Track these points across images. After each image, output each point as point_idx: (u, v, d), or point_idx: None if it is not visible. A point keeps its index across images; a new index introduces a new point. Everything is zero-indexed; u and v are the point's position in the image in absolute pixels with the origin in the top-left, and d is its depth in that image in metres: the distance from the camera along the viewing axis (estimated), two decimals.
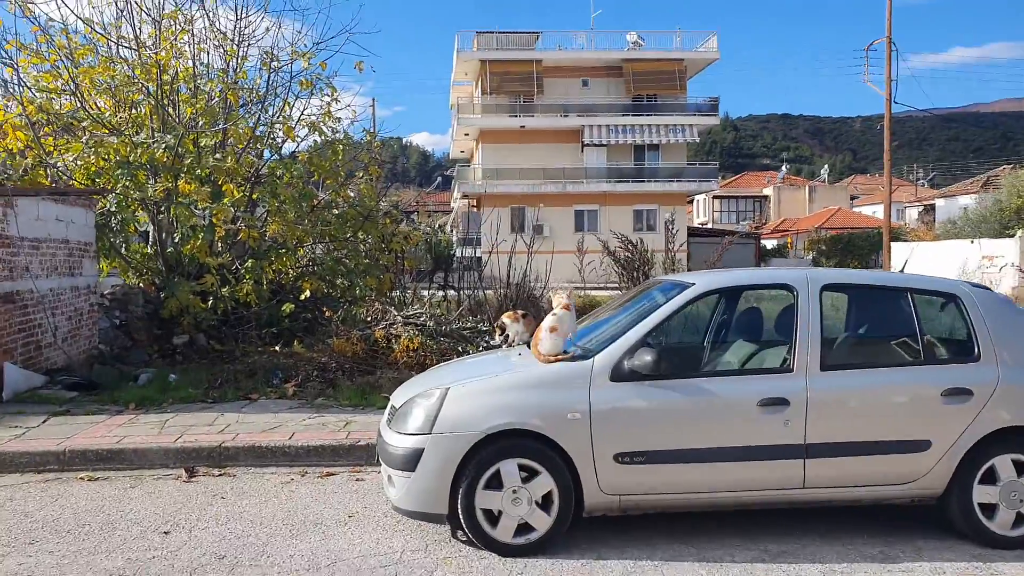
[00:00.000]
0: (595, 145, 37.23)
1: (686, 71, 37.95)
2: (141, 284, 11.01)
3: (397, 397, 4.63)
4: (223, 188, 10.24)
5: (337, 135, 12.11)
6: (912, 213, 53.70)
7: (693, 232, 37.59)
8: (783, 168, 72.20)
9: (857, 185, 76.44)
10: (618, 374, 4.12)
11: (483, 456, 4.01)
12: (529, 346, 4.85)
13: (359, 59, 11.68)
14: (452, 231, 38.69)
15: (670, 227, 35.76)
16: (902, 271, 24.18)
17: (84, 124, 10.35)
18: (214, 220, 9.77)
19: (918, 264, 24.42)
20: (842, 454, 4.15)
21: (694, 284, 4.43)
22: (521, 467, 4.03)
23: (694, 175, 38.58)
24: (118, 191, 9.82)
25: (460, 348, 8.49)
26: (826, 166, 75.73)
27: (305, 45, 11.62)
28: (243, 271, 10.32)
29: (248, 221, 10.34)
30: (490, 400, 4.11)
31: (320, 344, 8.76)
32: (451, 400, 4.12)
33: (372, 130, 12.81)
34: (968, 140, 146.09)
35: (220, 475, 5.59)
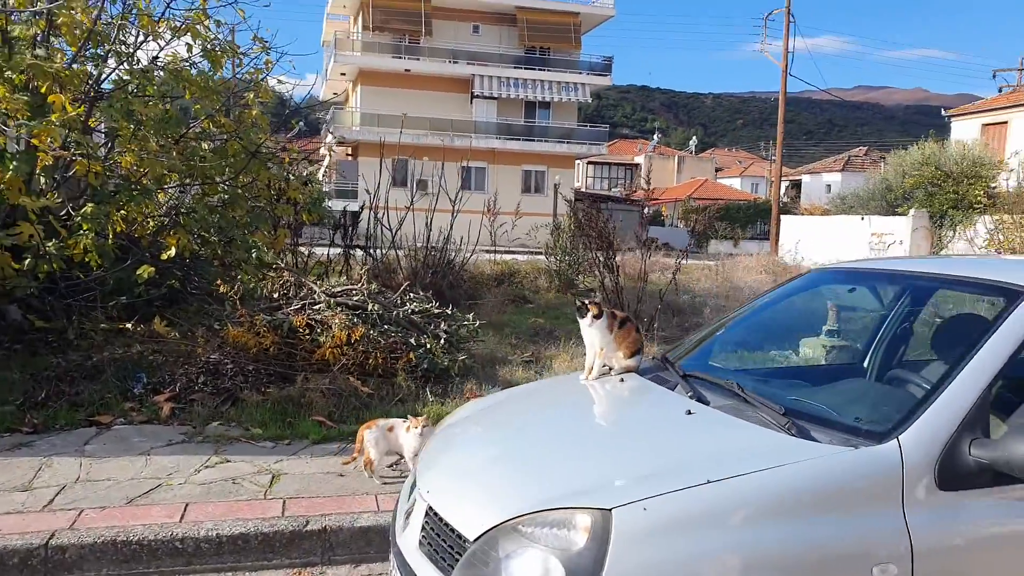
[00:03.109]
0: (485, 97, 34.70)
1: (581, 26, 36.15)
2: None
3: (447, 500, 2.25)
4: (49, 99, 7.07)
5: (216, 42, 9.04)
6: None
7: (581, 197, 36.31)
8: (655, 138, 73.09)
9: (716, 157, 78.85)
10: (956, 474, 2.03)
11: None
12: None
13: None
14: (325, 181, 35.02)
15: (559, 191, 33.94)
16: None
17: None
18: (35, 143, 6.64)
19: (809, 239, 24.37)
20: None
21: None
22: None
23: (584, 137, 37.09)
24: None
25: (412, 340, 6.10)
26: (694, 137, 77.45)
27: None
28: (79, 219, 7.26)
29: (88, 148, 7.25)
30: (707, 541, 1.87)
31: (205, 331, 6.05)
32: (624, 541, 1.84)
33: (263, 39, 9.71)
34: (801, 123, 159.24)
35: None
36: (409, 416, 4.03)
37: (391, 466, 4.26)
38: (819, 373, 3.44)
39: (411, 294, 7.18)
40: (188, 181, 8.76)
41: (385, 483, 4.03)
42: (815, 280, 3.39)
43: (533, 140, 35.55)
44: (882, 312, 3.35)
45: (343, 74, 36.00)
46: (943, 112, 29.48)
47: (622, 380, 2.91)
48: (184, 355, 5.77)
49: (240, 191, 9.06)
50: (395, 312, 6.16)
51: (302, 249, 10.78)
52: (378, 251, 11.44)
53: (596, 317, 2.98)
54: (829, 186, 45.52)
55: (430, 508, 2.30)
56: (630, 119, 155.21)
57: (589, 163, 62.35)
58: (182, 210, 8.92)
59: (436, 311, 6.78)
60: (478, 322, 7.06)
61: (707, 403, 2.50)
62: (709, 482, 1.94)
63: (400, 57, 33.95)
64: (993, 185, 20.41)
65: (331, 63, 34.82)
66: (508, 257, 16.54)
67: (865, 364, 3.43)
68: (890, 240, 23.16)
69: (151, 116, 7.66)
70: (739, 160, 79.52)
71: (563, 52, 36.03)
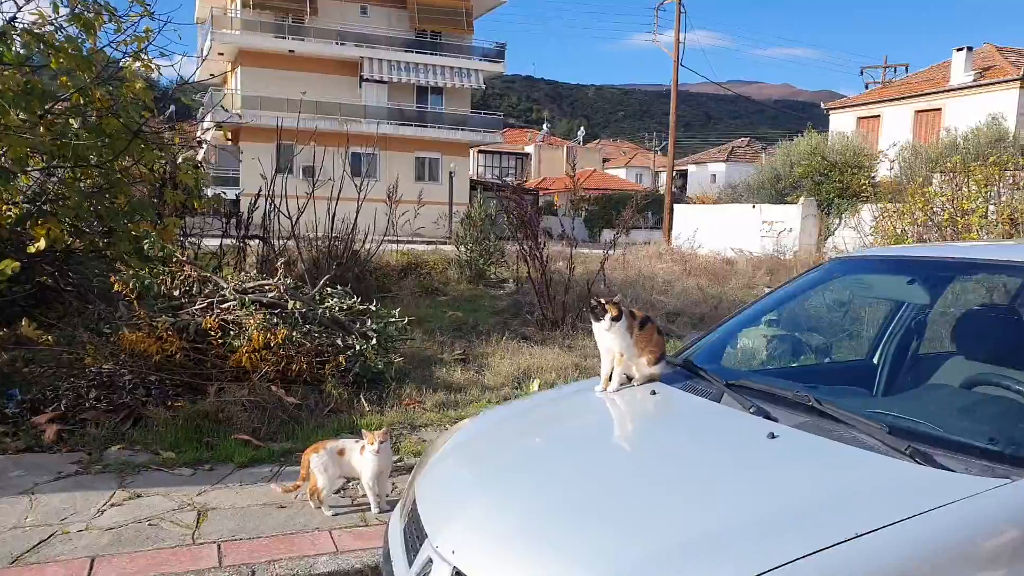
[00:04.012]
0: (375, 81, 33.47)
1: (473, 10, 35.54)
2: None
3: (490, 567, 1.72)
4: None
5: (89, 4, 7.85)
6: (664, 177, 57.56)
7: (476, 185, 35.89)
8: (544, 127, 73.76)
9: (602, 147, 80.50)
10: None
11: None
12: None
13: None
14: (203, 167, 32.68)
15: (453, 178, 33.27)
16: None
17: None
18: None
19: (702, 227, 25.08)
20: None
21: None
22: None
23: (478, 125, 36.58)
24: None
25: (339, 342, 5.45)
26: (582, 128, 78.70)
27: None
28: None
29: None
30: None
31: (92, 336, 5.15)
32: None
33: (145, 2, 8.52)
34: (680, 116, 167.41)
35: None
36: (364, 431, 3.46)
37: (339, 492, 3.67)
38: (847, 372, 3.15)
39: (329, 289, 6.50)
40: (57, 163, 7.62)
41: (337, 514, 3.45)
42: (835, 270, 3.10)
43: (426, 126, 34.69)
44: (898, 302, 3.11)
45: (221, 54, 33.68)
46: (822, 105, 31.12)
47: (654, 392, 2.47)
48: (67, 365, 4.88)
49: (120, 175, 7.99)
50: (319, 310, 5.48)
51: (192, 239, 9.79)
52: (277, 242, 10.55)
53: (615, 319, 2.53)
54: (714, 176, 47.44)
55: (459, 573, 1.77)
56: (516, 109, 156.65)
57: (480, 152, 61.97)
58: (50, 196, 7.76)
59: (361, 308, 6.14)
60: (405, 318, 6.50)
61: (775, 420, 2.10)
62: (858, 536, 1.51)
63: (283, 37, 32.15)
64: (873, 174, 21.64)
65: (208, 42, 32.50)
66: (408, 247, 15.89)
67: (875, 360, 3.18)
68: (780, 228, 24.16)
69: (10, 87, 6.53)
70: (623, 151, 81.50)
71: (455, 37, 35.32)
